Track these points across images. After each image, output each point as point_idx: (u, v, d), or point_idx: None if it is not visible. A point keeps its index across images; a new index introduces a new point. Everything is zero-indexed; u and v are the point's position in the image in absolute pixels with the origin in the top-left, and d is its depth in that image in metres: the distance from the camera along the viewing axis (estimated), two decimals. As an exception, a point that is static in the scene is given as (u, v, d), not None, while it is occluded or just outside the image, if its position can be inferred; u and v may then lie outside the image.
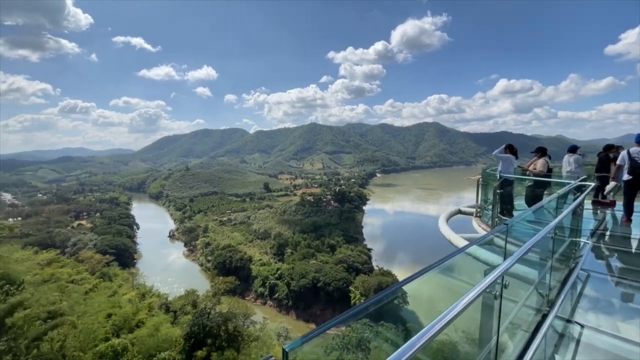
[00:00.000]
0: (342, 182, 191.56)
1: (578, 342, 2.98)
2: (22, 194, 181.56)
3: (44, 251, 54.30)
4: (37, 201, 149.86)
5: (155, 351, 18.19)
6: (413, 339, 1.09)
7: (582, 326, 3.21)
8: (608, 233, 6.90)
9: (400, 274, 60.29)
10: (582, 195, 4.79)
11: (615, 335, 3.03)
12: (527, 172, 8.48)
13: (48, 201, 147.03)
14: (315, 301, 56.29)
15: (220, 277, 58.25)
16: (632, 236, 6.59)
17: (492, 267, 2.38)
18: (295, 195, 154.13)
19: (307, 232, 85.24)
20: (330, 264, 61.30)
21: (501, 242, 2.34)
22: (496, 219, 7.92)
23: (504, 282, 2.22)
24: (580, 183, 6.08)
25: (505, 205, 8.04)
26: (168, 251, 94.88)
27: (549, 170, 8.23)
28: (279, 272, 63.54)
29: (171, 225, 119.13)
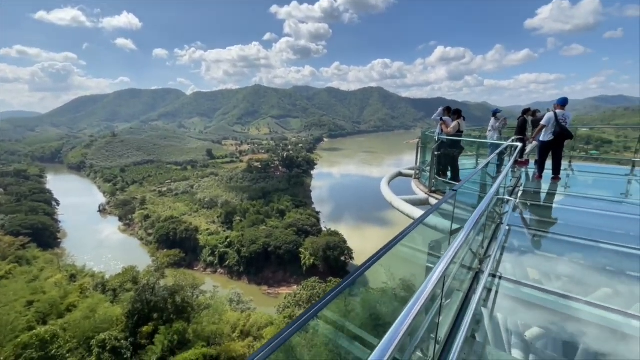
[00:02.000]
0: (289, 147, 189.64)
1: (503, 295, 3.25)
2: None
3: None
4: None
5: (93, 333, 16.94)
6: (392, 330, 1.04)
7: (505, 279, 3.49)
8: (523, 189, 7.92)
9: (347, 233, 64.35)
10: (515, 155, 5.30)
11: (534, 286, 3.34)
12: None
13: None
14: (266, 265, 57.56)
15: (164, 250, 55.43)
16: (541, 190, 7.72)
17: (442, 234, 2.40)
18: (241, 161, 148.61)
19: (256, 198, 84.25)
20: (280, 229, 62.30)
21: (447, 207, 2.37)
22: (433, 180, 8.46)
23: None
24: (511, 144, 6.68)
25: (442, 167, 8.63)
26: (100, 227, 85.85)
27: (459, 132, 8.64)
28: (228, 240, 62.66)
29: (100, 198, 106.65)
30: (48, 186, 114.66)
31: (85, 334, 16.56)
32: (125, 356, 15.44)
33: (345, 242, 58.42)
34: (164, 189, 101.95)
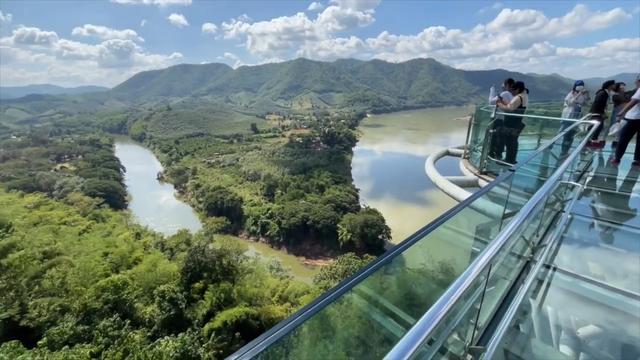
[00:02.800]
0: (331, 123, 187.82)
1: (556, 287, 2.96)
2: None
3: (31, 194, 53.69)
4: (12, 143, 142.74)
5: (155, 284, 19.38)
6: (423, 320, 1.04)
7: (560, 271, 3.17)
8: (594, 174, 6.90)
9: (386, 211, 63.58)
10: (587, 136, 4.58)
11: (594, 281, 2.99)
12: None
13: (24, 143, 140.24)
14: (305, 237, 59.78)
15: (213, 217, 60.26)
16: (617, 177, 6.73)
17: (492, 219, 2.21)
18: (284, 136, 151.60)
19: (297, 173, 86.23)
20: (319, 204, 63.59)
21: (499, 190, 2.15)
22: (485, 161, 7.78)
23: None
24: (584, 121, 5.77)
25: (497, 147, 7.87)
26: (158, 193, 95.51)
27: (521, 107, 7.62)
28: (269, 211, 65.78)
29: (158, 167, 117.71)
30: (116, 154, 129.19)
31: (148, 284, 19.05)
32: (180, 306, 17.56)
33: (383, 220, 57.96)
34: (213, 160, 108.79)
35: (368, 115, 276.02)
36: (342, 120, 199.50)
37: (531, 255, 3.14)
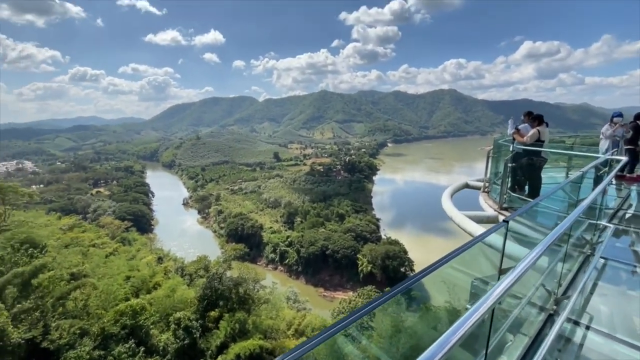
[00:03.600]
0: (352, 152, 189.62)
1: (589, 350, 2.48)
2: (42, 161, 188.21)
3: (67, 217, 57.05)
4: (57, 169, 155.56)
5: (172, 310, 19.36)
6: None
7: (595, 330, 2.66)
8: (632, 212, 6.24)
9: (408, 243, 61.23)
10: (613, 172, 4.23)
11: (632, 344, 2.47)
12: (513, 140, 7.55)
13: (67, 169, 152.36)
14: (324, 267, 58.35)
15: (232, 244, 60.65)
16: (660, 217, 5.89)
17: (508, 259, 2.03)
18: (305, 164, 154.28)
19: (317, 201, 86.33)
20: (338, 233, 62.59)
21: (519, 227, 2.00)
22: (505, 196, 7.34)
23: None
24: (609, 157, 5.37)
25: (518, 181, 7.48)
26: (183, 218, 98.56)
27: (540, 141, 7.22)
28: (289, 239, 65.46)
29: (185, 193, 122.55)
30: (147, 180, 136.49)
31: (165, 310, 19.07)
32: (194, 335, 17.29)
33: (405, 252, 55.71)
34: (236, 187, 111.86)
35: (389, 144, 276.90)
36: (363, 149, 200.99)
37: (555, 307, 2.76)
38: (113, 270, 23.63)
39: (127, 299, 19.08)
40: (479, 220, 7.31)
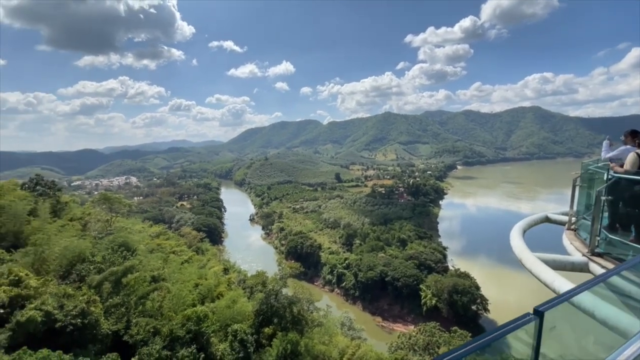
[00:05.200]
0: (416, 174, 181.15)
1: None
2: (143, 177, 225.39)
3: (156, 225, 65.87)
4: (153, 184, 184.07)
5: (231, 321, 20.20)
6: None
7: None
8: None
9: (481, 277, 54.11)
10: None
11: None
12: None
13: (160, 184, 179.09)
14: (382, 295, 55.08)
15: (291, 261, 61.93)
16: None
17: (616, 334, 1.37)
18: (366, 186, 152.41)
19: (377, 224, 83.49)
20: (399, 259, 58.92)
21: (625, 285, 1.36)
22: (597, 237, 5.63)
23: None
24: None
25: (620, 218, 5.67)
26: (248, 233, 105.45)
27: None
28: (346, 261, 64.07)
29: (252, 209, 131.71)
30: (221, 196, 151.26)
31: (225, 320, 20.02)
32: (249, 349, 17.63)
33: (477, 288, 49.21)
34: (297, 206, 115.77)
35: (459, 167, 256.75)
36: (429, 172, 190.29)
37: None
38: (186, 276, 26.07)
39: (194, 305, 20.64)
40: (561, 267, 5.67)
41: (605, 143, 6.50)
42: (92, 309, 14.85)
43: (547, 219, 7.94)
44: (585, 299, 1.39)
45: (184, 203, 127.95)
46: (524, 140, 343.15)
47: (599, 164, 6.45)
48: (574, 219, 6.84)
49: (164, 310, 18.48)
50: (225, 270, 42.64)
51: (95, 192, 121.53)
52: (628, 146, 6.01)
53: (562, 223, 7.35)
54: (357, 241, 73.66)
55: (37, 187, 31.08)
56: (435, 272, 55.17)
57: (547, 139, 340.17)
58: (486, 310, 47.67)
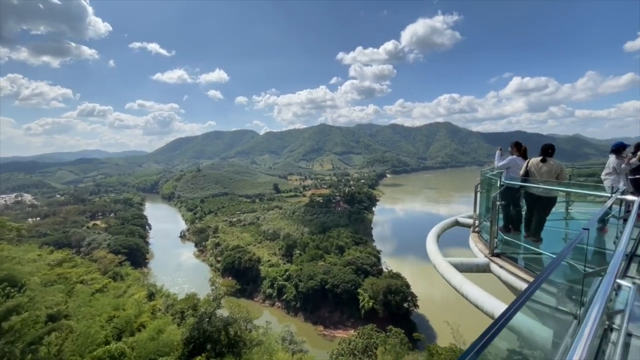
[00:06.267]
0: (351, 183, 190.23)
1: None
2: (42, 194, 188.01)
3: (59, 250, 55.32)
4: (55, 202, 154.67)
5: (155, 355, 17.80)
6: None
7: None
8: None
9: (410, 276, 58.79)
10: (634, 212, 3.58)
11: None
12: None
13: (65, 202, 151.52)
14: (323, 303, 55.46)
15: (228, 279, 58.29)
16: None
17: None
18: (304, 196, 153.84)
19: (316, 233, 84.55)
20: (338, 266, 60.39)
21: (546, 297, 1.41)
22: (495, 239, 6.23)
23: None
24: (620, 197, 4.52)
25: (512, 219, 6.56)
26: (179, 251, 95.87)
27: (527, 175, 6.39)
28: (287, 273, 63.04)
29: (182, 225, 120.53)
30: (145, 212, 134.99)
31: (148, 355, 17.49)
32: (177, 385, 15.68)
33: (408, 286, 53.28)
34: (234, 219, 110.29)
35: (388, 175, 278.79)
36: (362, 180, 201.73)
37: None
38: (97, 309, 22.19)
39: (107, 343, 17.60)
40: (468, 269, 6.04)
41: (497, 153, 7.60)
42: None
43: (457, 223, 8.78)
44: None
45: (98, 222, 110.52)
46: (440, 152, 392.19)
47: (494, 172, 7.46)
48: (477, 222, 7.67)
49: (65, 355, 15.24)
50: (151, 296, 37.85)
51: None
52: (514, 156, 7.12)
53: (469, 226, 8.17)
54: (297, 251, 73.30)
55: None
56: (371, 275, 57.99)
57: (457, 150, 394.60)
58: (416, 306, 51.75)
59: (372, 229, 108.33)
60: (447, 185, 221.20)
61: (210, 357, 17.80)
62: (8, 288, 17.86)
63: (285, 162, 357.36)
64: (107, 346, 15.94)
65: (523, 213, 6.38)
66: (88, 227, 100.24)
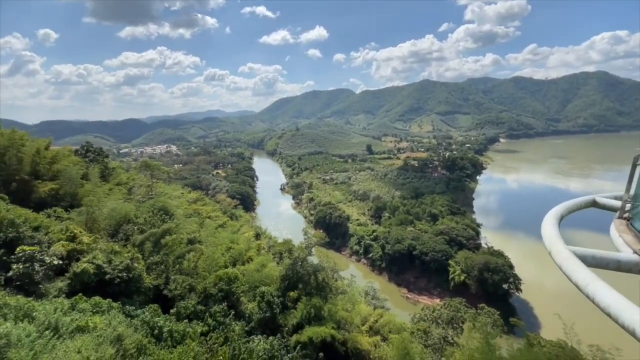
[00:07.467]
0: (453, 147, 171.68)
1: None
2: (182, 146, 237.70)
3: (195, 191, 69.96)
4: (191, 152, 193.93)
5: (259, 284, 21.42)
6: None
7: None
8: None
9: (516, 257, 51.67)
10: None
11: None
12: None
13: (197, 153, 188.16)
14: (409, 267, 55.16)
15: (319, 231, 63.48)
16: None
17: None
18: (398, 159, 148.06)
19: (408, 198, 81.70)
20: (429, 234, 57.84)
21: None
22: None
23: None
24: None
25: None
26: (279, 201, 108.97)
27: None
28: (374, 233, 64.30)
29: (283, 179, 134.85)
30: (254, 165, 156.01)
31: (254, 282, 21.26)
32: (275, 310, 18.75)
33: (511, 267, 47.25)
34: (327, 177, 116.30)
35: (502, 140, 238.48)
36: (468, 145, 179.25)
37: None
38: (219, 240, 27.78)
39: (226, 267, 22.07)
40: (601, 264, 4.31)
41: None
42: (136, 265, 16.40)
43: (594, 203, 6.31)
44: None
45: (219, 171, 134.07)
46: (583, 111, 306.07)
47: None
48: (628, 205, 5.37)
49: (199, 269, 19.98)
50: (257, 236, 44.79)
51: (140, 159, 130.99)
52: None
53: (613, 209, 5.82)
54: (386, 214, 73.09)
55: (88, 154, 33.92)
56: (466, 248, 53.61)
57: (612, 109, 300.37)
58: (518, 289, 46.00)
59: (473, 199, 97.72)
60: (586, 154, 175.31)
61: (301, 294, 20.40)
62: (164, 215, 24.10)
63: (380, 122, 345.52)
64: (226, 269, 20.05)
65: None
66: (213, 175, 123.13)
